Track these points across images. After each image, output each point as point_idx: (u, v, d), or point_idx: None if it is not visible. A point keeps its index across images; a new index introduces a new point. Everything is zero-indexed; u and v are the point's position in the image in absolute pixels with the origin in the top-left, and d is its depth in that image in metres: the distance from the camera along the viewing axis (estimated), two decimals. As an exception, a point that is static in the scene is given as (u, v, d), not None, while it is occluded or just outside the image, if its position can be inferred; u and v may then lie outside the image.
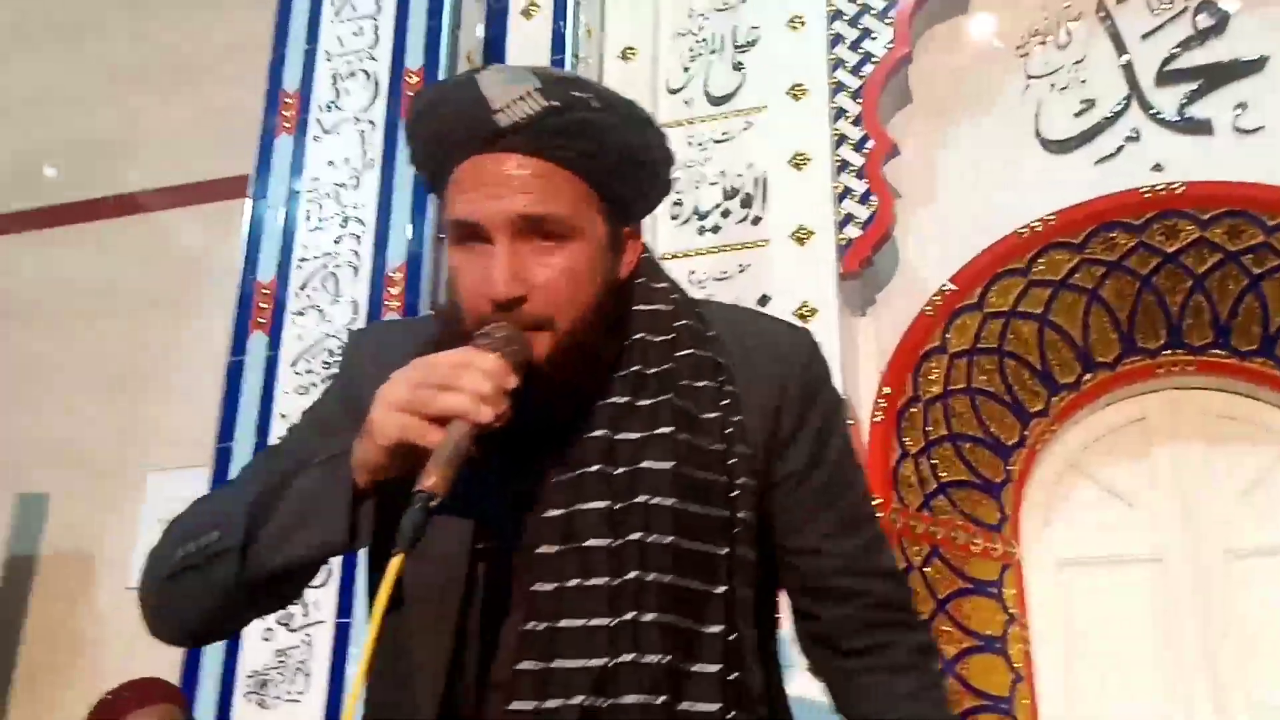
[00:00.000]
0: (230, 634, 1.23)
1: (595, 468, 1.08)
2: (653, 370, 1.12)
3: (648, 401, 1.11)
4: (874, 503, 1.28)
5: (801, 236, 2.92)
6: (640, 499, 1.06)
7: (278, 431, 2.82)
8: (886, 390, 2.91)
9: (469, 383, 0.99)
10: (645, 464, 1.07)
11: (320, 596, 2.67)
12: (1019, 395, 3.04)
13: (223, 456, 2.85)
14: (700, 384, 1.13)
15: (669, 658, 1.03)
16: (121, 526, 3.27)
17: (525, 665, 1.05)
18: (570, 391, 1.10)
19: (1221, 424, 3.02)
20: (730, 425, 1.12)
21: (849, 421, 1.28)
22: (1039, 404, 3.05)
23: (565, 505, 1.08)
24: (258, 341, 2.93)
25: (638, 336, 1.14)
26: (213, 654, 2.68)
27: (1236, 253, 2.89)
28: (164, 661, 2.64)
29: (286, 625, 2.64)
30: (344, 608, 2.64)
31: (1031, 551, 3.03)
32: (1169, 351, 3.00)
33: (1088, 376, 3.04)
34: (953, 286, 2.96)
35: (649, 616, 1.03)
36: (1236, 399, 3.02)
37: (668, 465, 1.07)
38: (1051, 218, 2.95)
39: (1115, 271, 2.96)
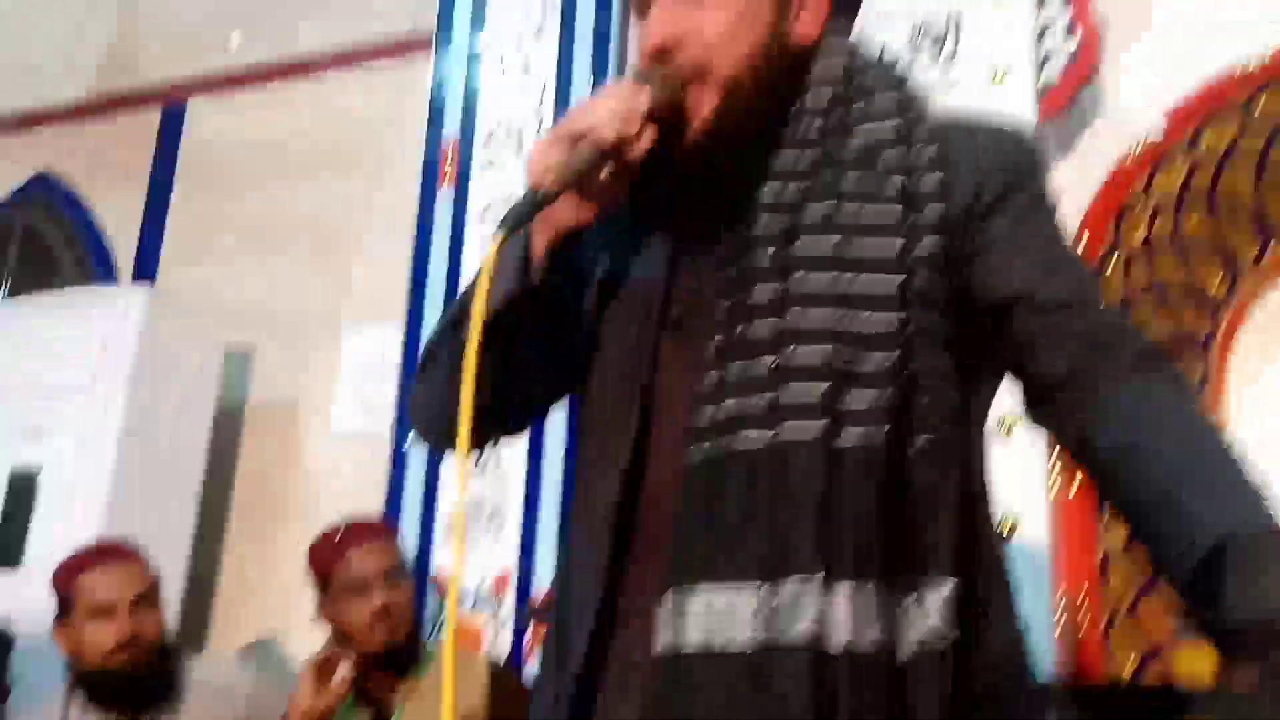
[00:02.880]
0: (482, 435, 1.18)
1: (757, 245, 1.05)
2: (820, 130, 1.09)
3: (808, 164, 1.07)
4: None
5: (998, 76, 2.77)
6: (797, 288, 1.03)
7: (467, 283, 2.88)
8: (1085, 238, 2.78)
9: (598, 104, 1.04)
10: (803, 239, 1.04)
11: (507, 453, 2.74)
12: (1231, 245, 2.85)
13: (415, 310, 2.93)
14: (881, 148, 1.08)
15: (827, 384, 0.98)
16: (321, 379, 3.41)
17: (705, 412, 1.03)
18: (734, 145, 1.09)
19: None
20: (914, 187, 1.06)
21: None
22: (1252, 253, 2.86)
23: (728, 290, 1.06)
24: (445, 195, 2.98)
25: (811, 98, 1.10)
26: (412, 498, 2.79)
27: None
28: (365, 505, 2.77)
29: (480, 472, 2.73)
30: (534, 456, 2.71)
31: (1235, 415, 2.88)
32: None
33: (1309, 225, 2.83)
34: (1162, 126, 2.78)
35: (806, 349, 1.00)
36: None
37: (830, 239, 1.04)
38: (1268, 56, 2.72)
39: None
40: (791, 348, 0.99)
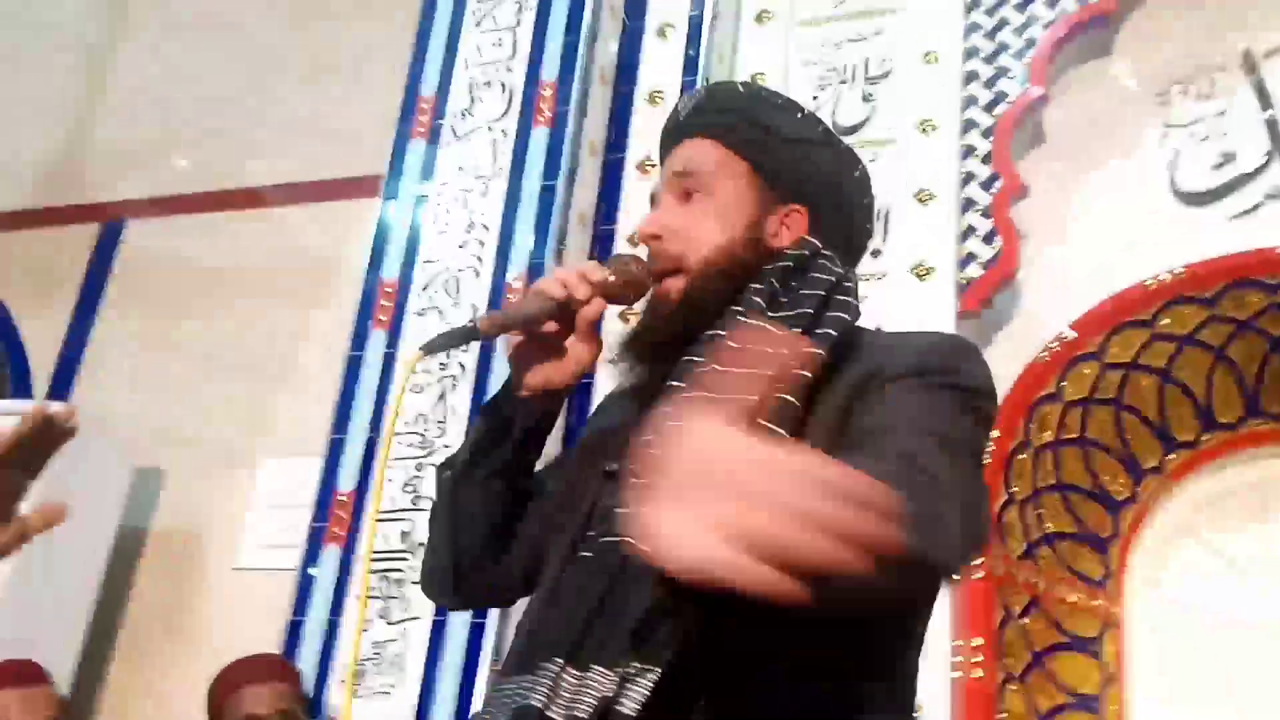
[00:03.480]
0: (480, 593, 1.42)
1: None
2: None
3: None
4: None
5: (921, 272, 2.89)
6: None
7: (390, 427, 2.88)
8: (996, 434, 2.87)
9: (561, 271, 1.25)
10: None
11: (417, 594, 2.71)
12: (1133, 450, 2.97)
13: (335, 448, 2.92)
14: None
15: None
16: (231, 509, 3.36)
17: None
18: (697, 324, 1.23)
19: (1346, 496, 2.92)
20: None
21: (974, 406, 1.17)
22: (1153, 460, 2.97)
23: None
24: (377, 338, 3.00)
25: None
26: (310, 642, 2.74)
27: (1373, 320, 2.80)
28: (263, 643, 2.71)
29: (385, 619, 2.69)
30: (441, 607, 2.68)
31: (1134, 612, 2.95)
32: (1294, 417, 2.91)
33: (1207, 436, 2.95)
34: (1072, 334, 2.91)
35: None
36: (1362, 471, 2.91)
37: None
38: (1181, 271, 2.88)
39: (1245, 331, 2.88)
40: None
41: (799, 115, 1.35)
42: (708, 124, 1.32)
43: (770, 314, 1.19)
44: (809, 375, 1.11)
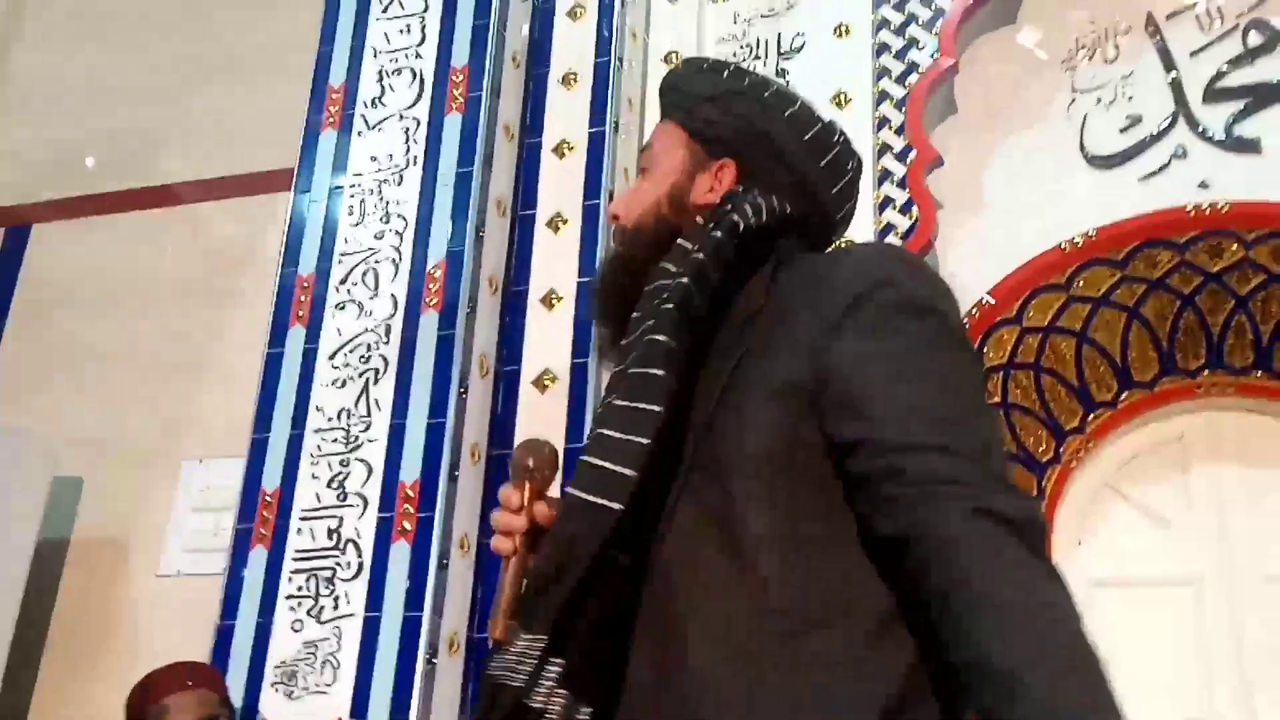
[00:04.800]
0: None
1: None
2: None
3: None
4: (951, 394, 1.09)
5: (840, 245, 2.90)
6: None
7: (313, 424, 2.84)
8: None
9: (496, 525, 1.24)
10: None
11: (351, 589, 2.69)
12: (1054, 412, 3.01)
13: (258, 447, 2.87)
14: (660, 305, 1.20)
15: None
16: (154, 514, 3.29)
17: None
18: (629, 282, 1.29)
19: (1261, 447, 2.98)
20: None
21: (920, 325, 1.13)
22: (1074, 421, 3.02)
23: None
24: (296, 334, 2.95)
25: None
26: (241, 643, 2.69)
27: (1281, 274, 2.87)
28: (191, 649, 2.66)
29: (316, 617, 2.66)
30: (373, 602, 2.65)
31: (1063, 570, 2.99)
32: (1209, 372, 2.97)
33: (1125, 395, 3.01)
34: (991, 300, 2.95)
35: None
36: (1276, 421, 2.98)
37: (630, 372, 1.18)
38: (1093, 234, 2.93)
39: (1157, 290, 2.94)
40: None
41: (724, 74, 1.39)
42: (662, 107, 1.44)
43: (676, 266, 1.22)
44: (677, 303, 1.17)
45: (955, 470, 1.01)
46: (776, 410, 1.10)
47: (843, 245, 1.37)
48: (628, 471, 1.09)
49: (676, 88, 1.42)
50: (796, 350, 1.11)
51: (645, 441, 1.10)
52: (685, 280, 1.18)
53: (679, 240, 1.26)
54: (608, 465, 1.10)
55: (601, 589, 1.10)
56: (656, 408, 1.11)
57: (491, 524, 1.25)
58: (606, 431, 1.13)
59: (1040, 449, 3.02)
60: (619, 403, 1.14)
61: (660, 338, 1.14)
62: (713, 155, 1.35)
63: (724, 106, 1.36)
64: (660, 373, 1.13)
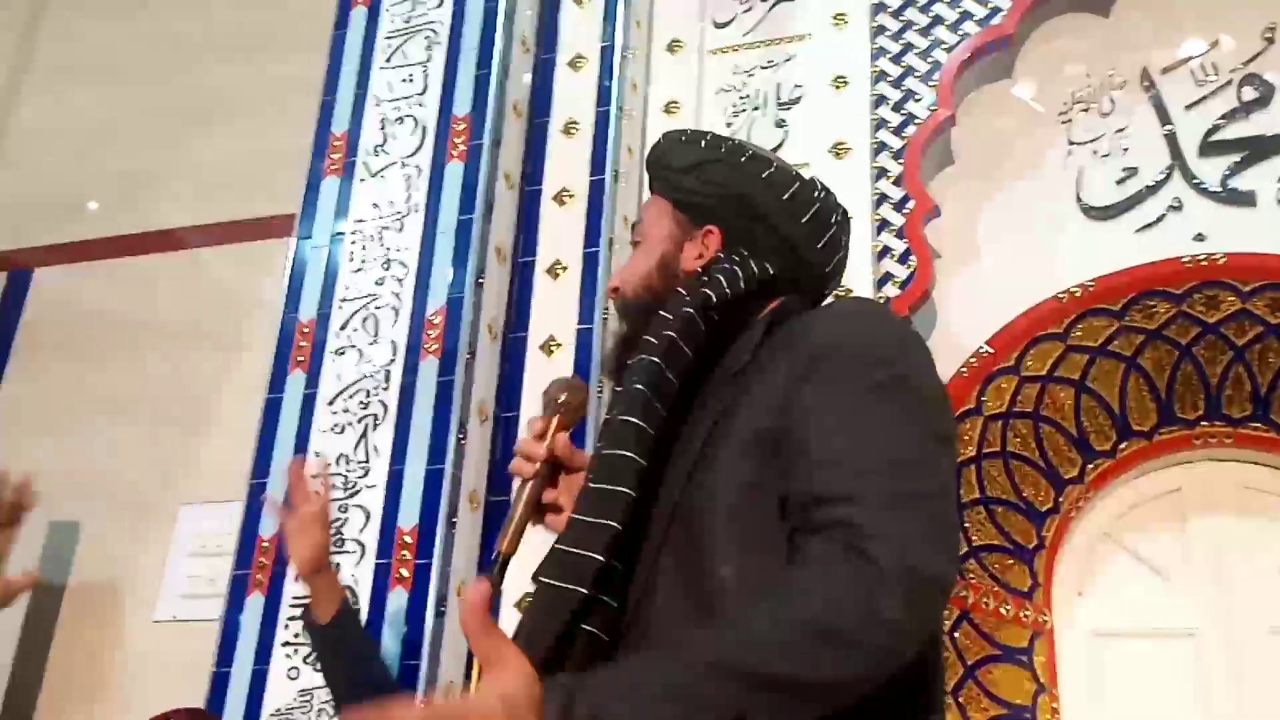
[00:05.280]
0: None
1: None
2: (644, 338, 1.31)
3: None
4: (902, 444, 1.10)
5: (839, 294, 2.91)
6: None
7: (312, 469, 2.84)
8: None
9: (519, 449, 1.37)
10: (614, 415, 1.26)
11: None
12: (1053, 461, 3.02)
13: (256, 493, 2.86)
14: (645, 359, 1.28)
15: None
16: (151, 559, 3.27)
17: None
18: (627, 350, 1.35)
19: (1259, 498, 2.99)
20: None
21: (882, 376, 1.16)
22: (1073, 471, 3.02)
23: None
24: (296, 380, 2.95)
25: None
26: (237, 690, 2.67)
27: (1277, 325, 2.88)
28: (187, 695, 2.64)
29: (313, 665, 2.64)
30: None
31: (1063, 621, 2.99)
32: (1207, 423, 2.98)
33: (1124, 445, 3.01)
34: (989, 349, 2.96)
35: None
36: (1275, 473, 2.98)
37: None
38: (1091, 284, 2.94)
39: (1154, 340, 2.95)
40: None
41: (701, 143, 1.44)
42: (650, 182, 1.49)
43: (655, 338, 1.28)
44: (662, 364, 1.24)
45: (856, 517, 1.03)
46: (748, 462, 1.15)
47: (839, 295, 1.43)
48: (596, 556, 1.17)
49: (659, 162, 1.47)
50: (770, 403, 1.17)
51: (616, 526, 1.18)
52: (655, 360, 1.25)
53: (659, 310, 1.32)
54: (577, 551, 1.18)
55: (575, 655, 1.16)
56: (628, 490, 1.19)
57: (514, 449, 1.37)
58: (579, 517, 1.20)
59: (1039, 498, 3.02)
60: (592, 485, 1.21)
61: (632, 419, 1.22)
62: (697, 223, 1.40)
63: (703, 175, 1.41)
64: (631, 454, 1.21)
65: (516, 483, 1.37)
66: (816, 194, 1.40)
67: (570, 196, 3.13)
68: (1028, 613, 2.92)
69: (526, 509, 1.32)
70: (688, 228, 1.40)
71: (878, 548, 1.00)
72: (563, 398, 1.37)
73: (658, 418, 1.23)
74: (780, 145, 3.17)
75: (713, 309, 1.30)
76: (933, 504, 1.07)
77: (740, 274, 1.33)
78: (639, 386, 1.24)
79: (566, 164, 3.18)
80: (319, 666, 2.40)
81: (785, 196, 1.37)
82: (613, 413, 1.24)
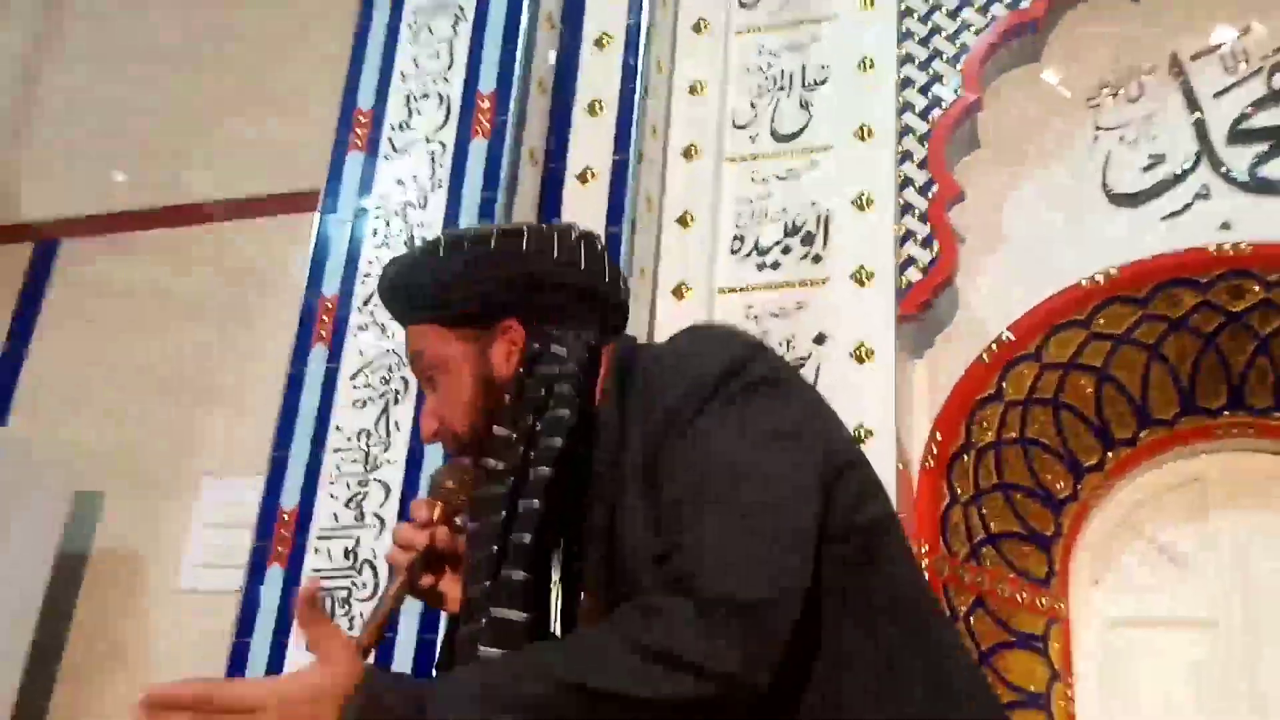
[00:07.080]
0: None
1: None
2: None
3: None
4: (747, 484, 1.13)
5: (861, 277, 2.91)
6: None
7: (333, 443, 2.86)
8: (938, 436, 2.90)
9: (396, 536, 1.34)
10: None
11: (366, 610, 2.69)
12: (1073, 448, 3.01)
13: (277, 465, 2.88)
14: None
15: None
16: (173, 530, 3.31)
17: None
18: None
19: (1280, 488, 2.97)
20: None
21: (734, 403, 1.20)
22: (1093, 458, 3.01)
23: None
24: (318, 354, 2.97)
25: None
26: (257, 661, 2.70)
27: (1303, 316, 2.86)
28: (207, 665, 2.67)
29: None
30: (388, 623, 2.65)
31: (1079, 608, 2.98)
32: (1229, 412, 2.96)
33: (1144, 433, 3.00)
34: (1011, 335, 2.95)
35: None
36: (1297, 464, 2.97)
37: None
38: (1115, 271, 2.92)
39: (1178, 329, 2.93)
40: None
41: (438, 254, 1.36)
42: (400, 314, 1.40)
43: (502, 462, 1.27)
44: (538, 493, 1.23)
45: (686, 564, 1.08)
46: (647, 510, 1.17)
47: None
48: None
49: (407, 293, 1.38)
50: (641, 476, 1.19)
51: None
52: (536, 505, 1.22)
53: (494, 430, 1.29)
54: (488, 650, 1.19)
55: None
56: (523, 617, 1.20)
57: (392, 536, 1.33)
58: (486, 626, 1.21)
59: (1059, 486, 3.01)
60: (493, 613, 1.20)
61: (517, 575, 1.21)
62: (487, 325, 1.33)
63: (468, 281, 1.34)
64: (521, 616, 1.20)
65: (385, 571, 1.36)
66: (575, 237, 1.36)
67: (593, 175, 3.13)
68: (1044, 600, 2.92)
69: (392, 603, 1.27)
70: (480, 335, 1.33)
71: (700, 583, 1.05)
72: (450, 484, 1.33)
73: (547, 568, 1.24)
74: (805, 127, 3.16)
75: (573, 425, 1.25)
76: (753, 520, 1.09)
77: (566, 350, 1.30)
78: (526, 539, 1.22)
79: (590, 142, 3.18)
80: None
81: (555, 254, 1.34)
82: (483, 551, 1.24)
